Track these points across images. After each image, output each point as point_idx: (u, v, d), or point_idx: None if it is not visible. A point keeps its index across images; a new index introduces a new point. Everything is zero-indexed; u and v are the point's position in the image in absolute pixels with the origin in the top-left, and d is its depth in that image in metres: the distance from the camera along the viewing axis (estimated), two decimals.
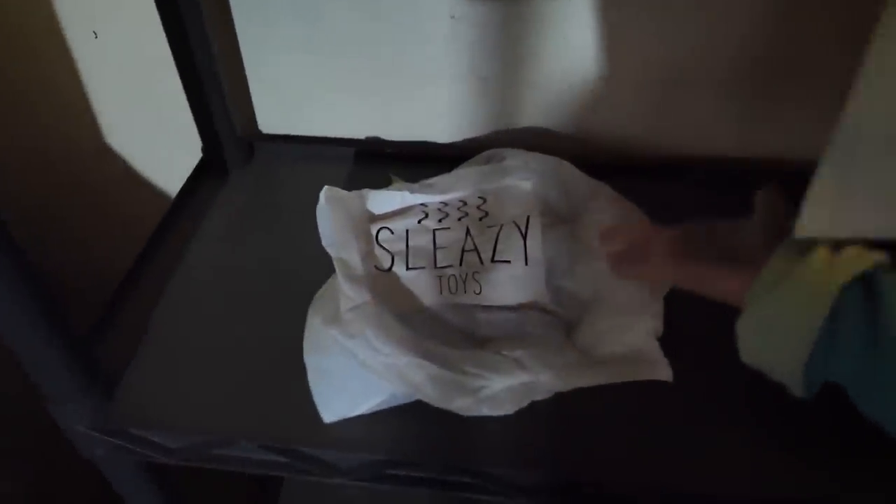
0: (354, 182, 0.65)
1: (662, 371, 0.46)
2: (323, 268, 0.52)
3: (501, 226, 0.53)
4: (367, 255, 0.53)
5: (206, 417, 0.48)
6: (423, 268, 0.52)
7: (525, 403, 0.45)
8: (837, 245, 0.33)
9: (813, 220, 0.32)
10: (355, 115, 0.70)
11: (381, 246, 0.53)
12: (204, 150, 0.68)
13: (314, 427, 0.46)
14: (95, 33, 0.65)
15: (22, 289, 0.41)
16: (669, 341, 0.48)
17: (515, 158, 0.59)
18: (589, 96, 0.65)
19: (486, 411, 0.44)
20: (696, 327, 0.50)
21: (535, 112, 0.66)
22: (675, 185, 0.63)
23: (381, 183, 0.60)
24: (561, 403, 0.45)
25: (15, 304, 0.41)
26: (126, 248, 0.63)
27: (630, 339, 0.47)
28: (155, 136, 0.74)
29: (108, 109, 0.74)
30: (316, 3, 0.61)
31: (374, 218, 0.56)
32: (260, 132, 0.73)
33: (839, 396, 0.35)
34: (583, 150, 0.68)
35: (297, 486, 0.86)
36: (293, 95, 0.69)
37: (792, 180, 0.63)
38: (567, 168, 0.58)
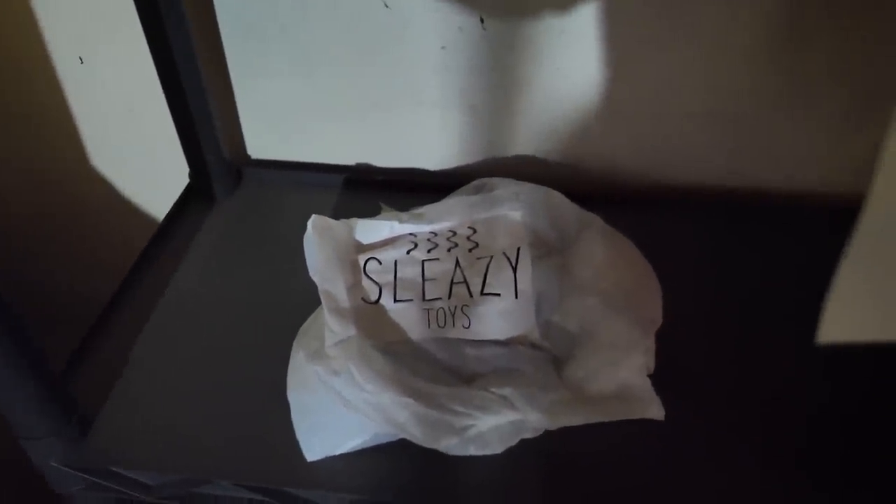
0: (343, 209, 0.64)
1: (654, 410, 0.45)
2: (310, 298, 0.51)
3: (491, 257, 0.52)
4: (354, 287, 0.51)
5: (185, 454, 0.46)
6: (410, 300, 0.50)
7: (514, 442, 0.44)
8: None
9: (835, 325, 0.31)
10: (345, 142, 0.69)
11: (369, 277, 0.52)
12: (191, 175, 0.67)
13: (297, 466, 0.44)
14: (81, 59, 0.64)
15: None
16: (661, 378, 0.47)
17: (505, 188, 0.58)
18: (579, 126, 0.64)
19: (473, 451, 0.43)
20: (688, 364, 0.49)
21: (525, 141, 0.66)
22: (666, 216, 0.62)
23: (371, 210, 0.59)
24: (550, 442, 0.44)
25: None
26: (110, 274, 0.62)
27: (621, 377, 0.46)
28: (141, 160, 0.73)
29: (94, 134, 0.73)
30: (307, 29, 0.61)
31: (362, 248, 0.55)
32: (248, 157, 0.72)
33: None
34: (573, 179, 0.67)
35: None
36: (282, 121, 0.69)
37: (779, 211, 0.64)
38: (557, 198, 0.57)
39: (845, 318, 0.30)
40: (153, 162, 0.73)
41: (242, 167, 0.70)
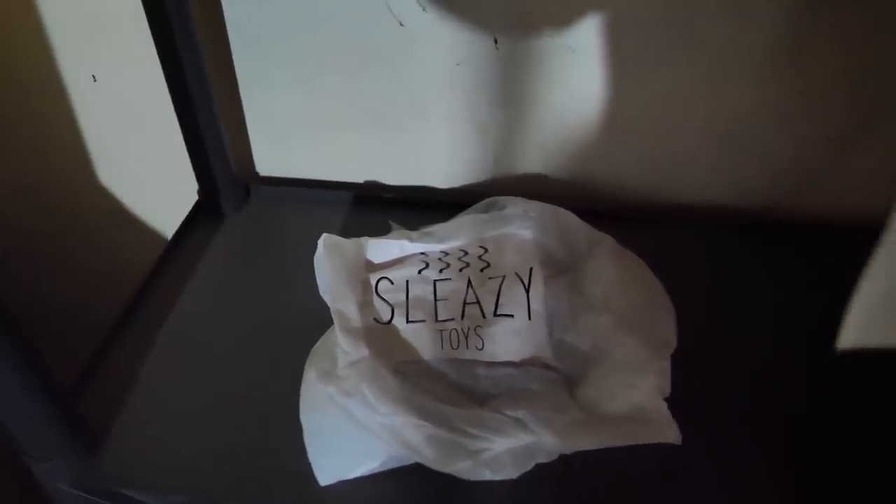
0: (352, 226, 0.64)
1: (670, 433, 0.44)
2: (320, 316, 0.50)
3: (503, 277, 0.52)
4: (365, 306, 0.51)
5: (194, 476, 0.46)
6: (423, 321, 0.50)
7: (529, 467, 0.43)
8: None
9: (856, 332, 0.31)
10: (353, 159, 0.69)
11: (381, 297, 0.52)
12: (200, 192, 0.67)
13: (309, 490, 0.44)
14: (94, 77, 0.64)
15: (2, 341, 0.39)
16: (675, 400, 0.47)
17: (515, 206, 0.57)
18: (588, 143, 0.64)
19: (487, 475, 0.42)
20: (701, 385, 0.49)
21: (534, 158, 0.66)
22: (674, 233, 0.62)
23: (380, 228, 0.59)
24: (565, 465, 0.44)
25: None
26: (118, 290, 0.62)
27: (636, 399, 0.45)
28: (150, 177, 0.73)
29: (103, 150, 0.73)
30: (317, 47, 0.61)
31: (372, 267, 0.55)
32: (257, 174, 0.72)
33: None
34: (582, 196, 0.67)
35: None
36: (291, 137, 0.68)
37: (788, 228, 0.63)
38: (568, 217, 0.57)
39: (866, 325, 0.30)
40: (161, 179, 0.73)
41: (251, 184, 0.70)
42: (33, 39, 0.63)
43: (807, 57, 0.57)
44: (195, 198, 0.68)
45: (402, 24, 0.57)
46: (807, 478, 0.45)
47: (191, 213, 0.67)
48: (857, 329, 0.31)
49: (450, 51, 0.59)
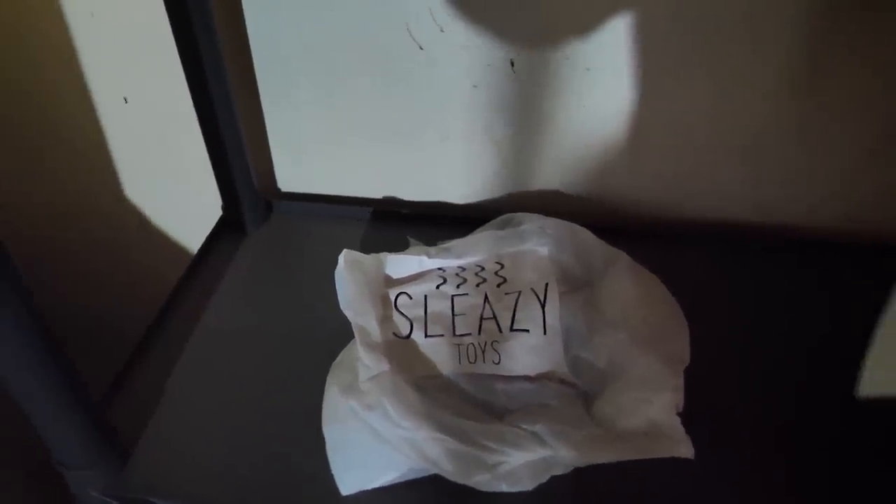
0: (371, 242, 0.65)
1: (684, 448, 0.45)
2: (341, 330, 0.52)
3: (519, 292, 0.53)
4: (385, 321, 0.53)
5: (220, 486, 0.47)
6: (441, 335, 0.52)
7: (544, 479, 0.44)
8: None
9: (874, 381, 0.32)
10: (373, 175, 0.71)
11: (400, 312, 0.53)
12: (224, 208, 0.69)
13: (331, 499, 0.45)
14: (126, 99, 0.66)
15: (37, 356, 0.41)
16: (689, 416, 0.47)
17: (532, 223, 0.59)
18: (604, 161, 0.65)
19: (504, 488, 0.43)
20: (715, 401, 0.49)
21: (550, 175, 0.67)
22: (690, 251, 0.63)
23: (399, 243, 0.60)
24: (580, 479, 0.45)
25: (29, 370, 0.41)
26: (144, 304, 0.63)
27: (651, 414, 0.46)
28: (175, 194, 0.75)
29: (132, 169, 0.75)
30: (336, 65, 0.63)
31: (391, 282, 0.56)
32: (278, 190, 0.74)
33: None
34: (598, 213, 0.68)
35: None
36: (312, 155, 0.70)
37: (804, 246, 0.64)
38: (583, 234, 0.58)
39: (883, 376, 0.31)
40: (186, 196, 0.75)
41: (272, 199, 0.72)
42: (67, 65, 0.66)
43: (824, 74, 0.57)
44: (219, 214, 0.70)
45: (421, 48, 0.59)
46: (819, 494, 0.45)
47: (215, 228, 0.69)
48: (876, 378, 0.31)
49: (467, 73, 0.60)
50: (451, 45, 0.59)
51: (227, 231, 0.69)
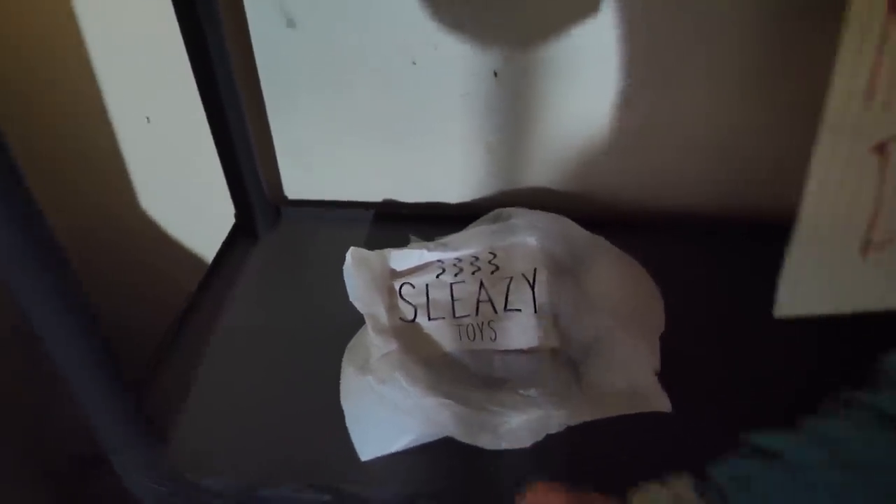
0: (374, 240, 0.71)
1: (662, 403, 0.51)
2: (350, 320, 0.58)
3: (511, 278, 0.59)
4: (392, 309, 0.58)
5: (251, 462, 0.53)
6: (443, 318, 0.57)
7: (541, 437, 0.50)
8: None
9: (787, 301, 0.38)
10: (373, 180, 0.77)
11: (405, 299, 0.59)
12: (237, 216, 0.75)
13: (352, 465, 0.51)
14: (148, 118, 0.72)
15: (90, 350, 0.46)
16: (666, 377, 0.53)
17: (521, 217, 0.65)
18: (587, 159, 0.72)
19: (505, 445, 0.49)
20: (690, 364, 0.55)
21: (537, 174, 0.73)
22: (666, 237, 0.69)
23: (400, 240, 0.66)
24: (572, 436, 0.51)
25: (83, 364, 0.47)
26: (162, 305, 0.69)
27: (632, 377, 0.53)
28: (186, 207, 0.81)
29: (147, 181, 0.81)
30: (338, 81, 0.69)
31: (395, 274, 0.62)
32: (285, 197, 0.80)
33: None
34: (582, 207, 0.74)
35: None
36: (316, 164, 0.76)
37: (769, 228, 0.70)
38: (568, 224, 0.64)
39: (795, 296, 0.37)
40: (200, 205, 0.80)
41: (281, 206, 0.78)
42: (89, 87, 0.72)
43: (792, 76, 0.63)
44: (227, 224, 0.76)
45: (414, 63, 0.65)
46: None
47: (229, 235, 0.75)
48: (788, 300, 0.38)
49: (457, 83, 0.67)
50: (442, 59, 0.65)
51: (240, 237, 0.75)
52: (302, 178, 0.78)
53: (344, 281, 0.60)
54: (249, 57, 0.68)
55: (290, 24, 0.65)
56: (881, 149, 0.33)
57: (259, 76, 0.70)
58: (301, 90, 0.70)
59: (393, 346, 0.53)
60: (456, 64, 0.65)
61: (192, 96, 0.64)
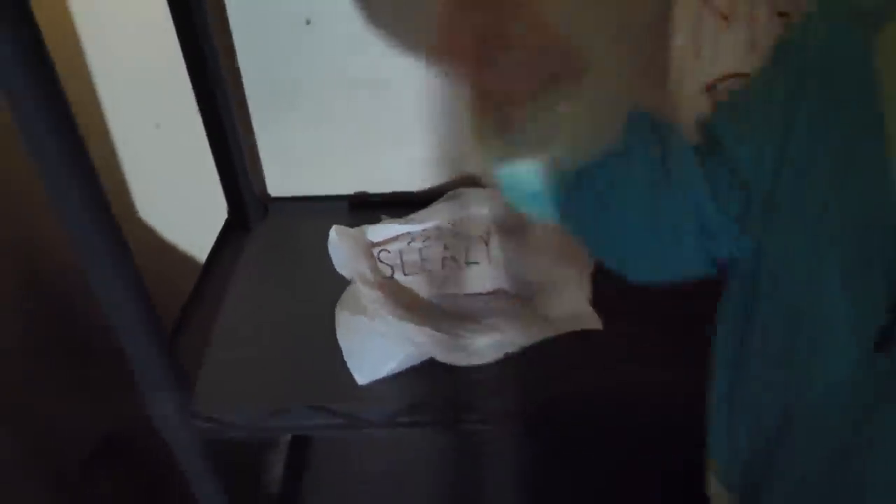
0: (352, 225, 0.84)
1: (594, 322, 0.65)
2: (338, 290, 0.71)
3: (469, 238, 0.73)
4: (373, 271, 0.71)
5: (266, 398, 0.64)
6: (416, 273, 0.70)
7: (501, 355, 0.63)
8: None
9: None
10: (346, 175, 0.89)
11: (382, 262, 0.72)
12: (229, 211, 0.86)
13: (351, 388, 0.63)
14: (158, 125, 0.84)
15: (137, 307, 0.57)
16: (598, 303, 0.67)
17: (474, 194, 0.79)
18: None
19: (474, 361, 0.62)
20: (622, 296, 0.69)
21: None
22: None
23: (374, 222, 0.79)
24: (526, 354, 0.64)
25: (133, 320, 0.58)
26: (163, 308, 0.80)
27: (570, 305, 0.66)
28: (185, 204, 0.92)
29: (142, 182, 0.92)
30: (316, 90, 0.81)
31: (373, 245, 0.75)
32: (269, 195, 0.92)
33: None
34: None
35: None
36: (297, 164, 0.88)
37: None
38: None
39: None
40: (193, 204, 0.92)
41: (267, 203, 0.89)
42: (91, 98, 0.83)
43: None
44: (217, 223, 0.87)
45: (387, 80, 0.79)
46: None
47: (223, 229, 0.86)
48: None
49: (420, 90, 0.80)
50: (405, 70, 0.78)
51: (233, 230, 0.86)
52: (284, 178, 0.90)
53: (327, 261, 0.73)
54: (236, 75, 0.81)
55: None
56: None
57: (244, 88, 0.82)
58: (284, 99, 0.83)
59: (378, 293, 0.66)
60: (418, 74, 0.79)
61: (187, 105, 0.76)
